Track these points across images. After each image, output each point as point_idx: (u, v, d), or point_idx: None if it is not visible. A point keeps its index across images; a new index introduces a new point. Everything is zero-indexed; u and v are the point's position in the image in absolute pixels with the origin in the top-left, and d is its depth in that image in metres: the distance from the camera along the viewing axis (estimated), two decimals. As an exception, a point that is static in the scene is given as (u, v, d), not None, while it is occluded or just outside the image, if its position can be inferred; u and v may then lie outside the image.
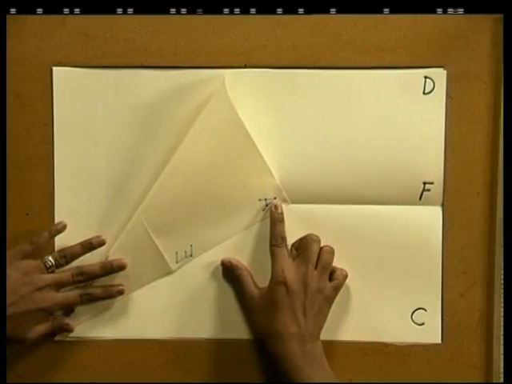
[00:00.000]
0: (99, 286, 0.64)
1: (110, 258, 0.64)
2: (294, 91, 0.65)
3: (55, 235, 0.64)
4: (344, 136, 0.65)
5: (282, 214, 0.65)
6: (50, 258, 0.62)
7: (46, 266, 0.62)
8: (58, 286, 0.62)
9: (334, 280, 0.64)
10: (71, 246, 0.63)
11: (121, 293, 0.64)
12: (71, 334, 0.65)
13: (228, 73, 0.65)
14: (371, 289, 0.66)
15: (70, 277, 0.63)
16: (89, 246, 0.63)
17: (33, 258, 0.62)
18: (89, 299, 0.64)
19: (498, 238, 0.65)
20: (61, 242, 0.64)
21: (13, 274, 0.60)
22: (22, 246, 0.62)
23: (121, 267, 0.64)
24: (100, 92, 0.65)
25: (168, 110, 0.65)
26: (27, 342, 0.62)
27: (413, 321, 0.66)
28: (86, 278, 0.63)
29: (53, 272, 0.62)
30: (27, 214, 0.66)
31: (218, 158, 0.65)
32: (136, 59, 0.65)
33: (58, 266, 0.63)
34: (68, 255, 0.63)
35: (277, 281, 0.62)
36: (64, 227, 0.64)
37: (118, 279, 0.64)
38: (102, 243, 0.64)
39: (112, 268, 0.64)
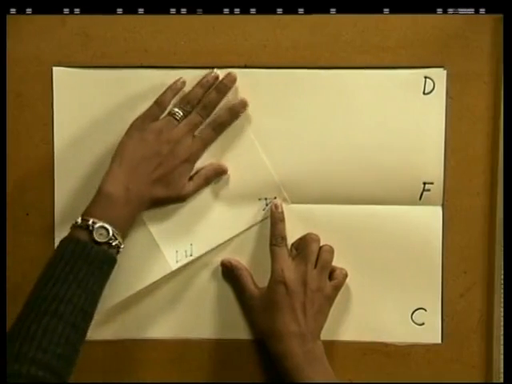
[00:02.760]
0: (225, 110, 0.63)
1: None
2: (294, 91, 0.65)
3: (177, 93, 0.63)
4: (344, 136, 0.65)
5: (282, 213, 0.65)
6: (177, 110, 0.62)
7: (176, 119, 0.62)
8: (193, 130, 0.62)
9: (334, 279, 0.64)
10: (191, 90, 0.63)
11: (245, 106, 0.64)
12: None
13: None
14: (371, 289, 0.66)
15: (197, 116, 0.62)
16: (207, 84, 0.63)
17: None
18: (220, 128, 0.63)
19: (498, 238, 0.65)
20: (62, 234, 0.64)
21: (149, 136, 0.61)
22: (149, 110, 0.62)
23: (233, 80, 0.63)
24: (100, 92, 0.65)
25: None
26: (184, 198, 0.63)
27: (413, 321, 0.66)
28: (210, 108, 0.63)
29: (182, 119, 0.62)
30: (27, 214, 0.66)
31: (218, 156, 0.65)
32: (136, 59, 0.65)
33: (187, 114, 0.62)
34: (191, 100, 0.62)
35: (276, 280, 0.62)
36: (183, 83, 0.63)
37: (119, 277, 0.64)
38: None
39: (226, 85, 0.63)
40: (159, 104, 0.62)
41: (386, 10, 0.64)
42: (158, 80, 0.65)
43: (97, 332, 0.66)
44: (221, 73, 0.64)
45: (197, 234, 0.65)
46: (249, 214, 0.66)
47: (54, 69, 0.65)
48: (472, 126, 0.65)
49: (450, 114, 0.65)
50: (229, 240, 0.66)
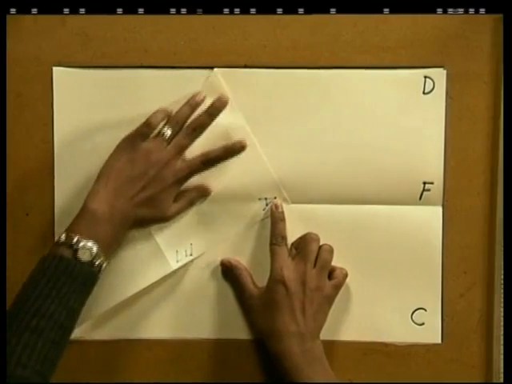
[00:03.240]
0: (220, 147, 0.63)
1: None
2: (294, 91, 0.65)
3: (166, 115, 0.62)
4: (344, 136, 0.65)
5: (282, 213, 0.65)
6: (166, 129, 0.61)
7: (165, 139, 0.61)
8: (181, 153, 0.62)
9: (334, 279, 0.64)
10: (180, 110, 0.62)
11: (243, 147, 0.63)
12: (72, 335, 0.65)
13: (228, 73, 0.65)
14: (371, 289, 0.66)
15: (186, 139, 0.62)
16: (195, 105, 0.63)
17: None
18: (211, 162, 0.63)
19: (498, 238, 0.65)
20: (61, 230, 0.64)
21: (138, 157, 0.60)
22: (138, 130, 0.61)
23: (224, 104, 0.62)
24: (100, 92, 0.65)
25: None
26: (168, 219, 0.63)
27: (413, 321, 0.66)
28: (200, 131, 0.62)
29: (170, 141, 0.62)
30: (27, 214, 0.66)
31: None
32: (136, 59, 0.65)
33: (176, 133, 0.62)
34: (180, 119, 0.62)
35: (275, 279, 0.62)
36: (175, 107, 0.63)
37: (118, 277, 0.64)
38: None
39: (217, 108, 0.62)
40: (148, 125, 0.61)
41: (386, 10, 0.64)
42: (157, 80, 0.65)
43: (97, 332, 0.66)
44: (221, 72, 0.64)
45: (197, 233, 0.65)
46: (249, 214, 0.66)
47: (54, 69, 0.65)
48: (472, 126, 0.65)
49: (449, 113, 0.65)
50: (229, 240, 0.66)
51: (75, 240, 0.56)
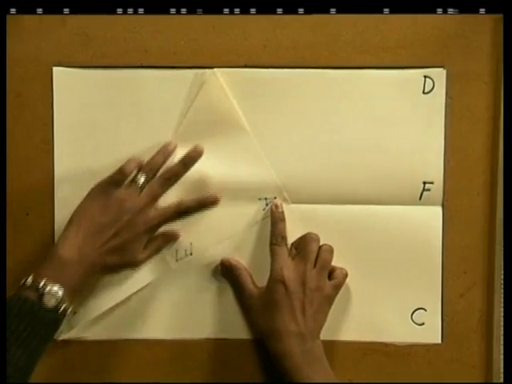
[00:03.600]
0: (193, 199, 0.63)
1: None
2: (294, 91, 0.65)
3: (139, 164, 0.62)
4: (344, 136, 0.65)
5: (282, 213, 0.65)
6: (139, 177, 0.61)
7: (138, 187, 0.61)
8: (154, 201, 0.61)
9: (334, 279, 0.64)
10: (153, 158, 0.63)
11: (217, 202, 0.63)
12: (72, 335, 0.65)
13: (228, 73, 0.65)
14: (371, 289, 0.66)
15: (160, 188, 0.62)
16: (167, 154, 0.63)
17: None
18: (184, 213, 0.63)
19: (498, 238, 0.65)
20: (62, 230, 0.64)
21: (111, 204, 0.60)
22: (112, 177, 0.61)
23: (199, 154, 0.62)
24: (100, 92, 0.65)
25: (168, 110, 0.65)
26: (137, 265, 0.63)
27: (413, 321, 0.66)
28: (174, 180, 0.62)
29: (143, 188, 0.61)
30: (27, 214, 0.66)
31: (218, 156, 0.65)
32: (136, 59, 0.65)
33: (149, 180, 0.62)
34: (153, 167, 0.62)
35: (275, 279, 0.62)
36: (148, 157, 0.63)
37: (118, 277, 0.64)
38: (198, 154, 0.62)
39: (191, 159, 0.62)
40: (122, 172, 0.61)
41: (386, 10, 0.64)
42: (157, 80, 0.65)
43: (96, 332, 0.66)
44: (221, 72, 0.64)
45: (197, 233, 0.65)
46: (249, 214, 0.66)
47: (54, 69, 0.65)
48: (472, 126, 0.65)
49: (449, 113, 0.65)
50: (229, 240, 0.66)
51: (42, 284, 0.56)
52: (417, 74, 0.65)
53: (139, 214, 0.61)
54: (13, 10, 0.64)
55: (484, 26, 0.65)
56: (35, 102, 0.65)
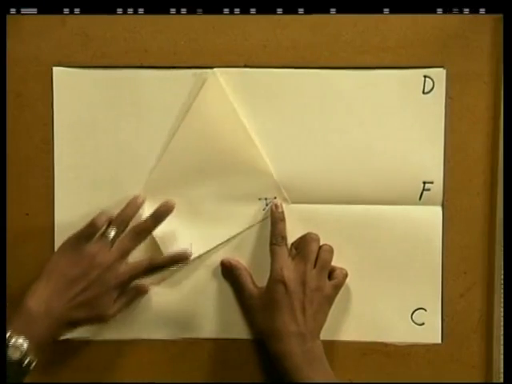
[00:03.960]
0: (165, 255, 0.63)
1: None
2: (293, 91, 0.65)
3: (110, 218, 0.62)
4: (344, 136, 0.65)
5: (282, 213, 0.65)
6: (110, 230, 0.61)
7: (109, 241, 0.61)
8: (125, 255, 0.61)
9: (334, 279, 0.64)
10: (123, 211, 0.63)
11: (188, 258, 0.63)
12: (72, 335, 0.65)
13: (228, 73, 0.65)
14: (371, 289, 0.66)
15: (131, 242, 0.62)
16: (136, 207, 0.63)
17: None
18: (155, 269, 0.62)
19: (498, 238, 0.65)
20: (62, 234, 0.64)
21: (81, 259, 0.60)
22: (82, 231, 0.61)
23: (170, 209, 0.63)
24: (100, 92, 0.65)
25: (168, 110, 0.65)
26: (107, 320, 0.62)
27: (413, 321, 0.66)
28: (144, 235, 0.62)
29: (114, 243, 0.61)
30: (27, 214, 0.66)
31: (218, 156, 0.65)
32: (136, 59, 0.65)
33: (120, 233, 0.62)
34: (124, 220, 0.62)
35: (275, 279, 0.62)
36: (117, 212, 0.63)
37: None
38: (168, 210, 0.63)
39: (162, 214, 0.62)
40: (92, 226, 0.61)
41: (386, 10, 0.64)
42: (157, 80, 0.65)
43: (96, 332, 0.66)
44: (221, 72, 0.64)
45: (197, 233, 0.65)
46: (249, 214, 0.66)
47: (54, 69, 0.65)
48: (472, 126, 0.65)
49: (449, 113, 0.65)
50: (229, 240, 0.66)
51: (7, 335, 0.56)
52: (417, 74, 0.65)
53: (109, 268, 0.60)
54: (13, 10, 0.64)
55: (484, 25, 0.65)
56: (35, 102, 0.65)
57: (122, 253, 0.61)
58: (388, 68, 0.65)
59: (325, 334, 0.64)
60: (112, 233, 0.61)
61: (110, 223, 0.62)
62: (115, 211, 0.63)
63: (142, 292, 0.65)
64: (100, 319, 0.62)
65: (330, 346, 0.65)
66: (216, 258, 0.66)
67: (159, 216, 0.62)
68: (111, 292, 0.61)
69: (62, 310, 0.59)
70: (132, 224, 0.63)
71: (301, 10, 0.64)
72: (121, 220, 0.62)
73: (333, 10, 0.64)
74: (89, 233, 0.61)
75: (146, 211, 0.64)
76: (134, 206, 0.63)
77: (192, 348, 0.66)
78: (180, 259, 0.63)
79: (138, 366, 0.66)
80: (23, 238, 0.66)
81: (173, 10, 0.64)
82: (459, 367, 0.66)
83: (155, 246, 0.65)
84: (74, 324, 0.61)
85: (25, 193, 0.66)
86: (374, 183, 0.65)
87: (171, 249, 0.65)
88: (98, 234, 0.61)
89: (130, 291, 0.64)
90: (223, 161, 0.65)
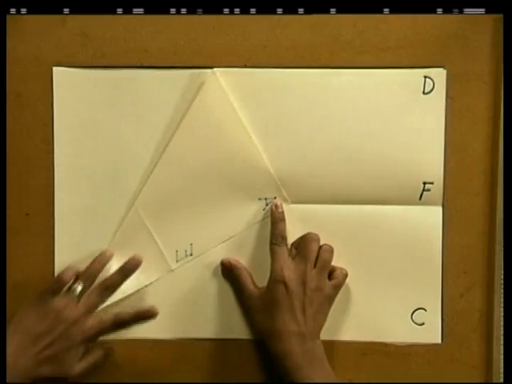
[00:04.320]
0: (131, 312, 0.63)
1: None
2: (293, 91, 0.65)
3: (77, 272, 0.62)
4: (344, 136, 0.65)
5: (282, 213, 0.65)
6: (76, 285, 0.61)
7: (75, 296, 0.61)
8: (91, 310, 0.61)
9: (334, 279, 0.64)
10: (89, 266, 0.62)
11: (155, 315, 0.63)
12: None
13: (228, 73, 0.65)
14: (371, 289, 0.66)
15: (98, 297, 0.62)
16: (103, 261, 0.63)
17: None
18: (121, 324, 0.62)
19: (498, 238, 0.65)
20: (62, 234, 0.64)
21: (47, 313, 0.60)
22: (49, 286, 0.61)
23: (137, 264, 0.63)
24: (100, 92, 0.65)
25: (168, 110, 0.65)
26: (74, 376, 0.61)
27: (413, 321, 0.66)
28: (112, 290, 0.62)
29: (81, 298, 0.61)
30: (27, 214, 0.66)
31: (218, 156, 0.65)
32: (136, 59, 0.65)
33: (86, 290, 0.62)
34: (91, 275, 0.62)
35: (275, 279, 0.62)
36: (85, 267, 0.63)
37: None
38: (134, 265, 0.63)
39: (129, 269, 0.63)
40: (59, 281, 0.61)
41: (386, 10, 0.64)
42: (157, 80, 0.65)
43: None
44: (220, 72, 0.64)
45: (197, 233, 0.65)
46: (249, 214, 0.66)
47: (54, 69, 0.65)
48: (472, 126, 0.65)
49: (449, 113, 0.65)
50: (229, 240, 0.66)
51: None
52: (417, 74, 0.65)
53: (75, 324, 0.60)
54: (13, 10, 0.64)
55: (484, 26, 0.64)
56: (35, 102, 0.65)
57: (88, 308, 0.61)
58: (388, 68, 0.65)
59: (325, 334, 0.64)
60: (79, 288, 0.61)
61: (77, 278, 0.62)
62: (115, 213, 0.63)
63: (108, 355, 0.65)
64: (66, 376, 0.61)
65: (330, 346, 0.65)
66: (216, 258, 0.66)
67: (127, 271, 0.63)
68: (77, 347, 0.60)
69: (26, 366, 0.59)
70: (99, 279, 0.62)
71: (301, 10, 0.64)
72: (88, 275, 0.62)
73: (333, 10, 0.64)
74: (55, 287, 0.61)
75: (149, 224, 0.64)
76: (101, 260, 0.63)
77: (192, 348, 0.66)
78: (146, 316, 0.63)
79: (138, 365, 0.66)
80: (23, 237, 0.66)
81: (173, 10, 0.64)
82: (459, 367, 0.66)
83: (123, 300, 0.65)
84: (39, 379, 0.60)
85: (25, 193, 0.66)
86: (374, 183, 0.65)
87: (171, 249, 0.65)
88: (64, 289, 0.61)
89: (97, 351, 0.63)
90: (223, 161, 0.65)
